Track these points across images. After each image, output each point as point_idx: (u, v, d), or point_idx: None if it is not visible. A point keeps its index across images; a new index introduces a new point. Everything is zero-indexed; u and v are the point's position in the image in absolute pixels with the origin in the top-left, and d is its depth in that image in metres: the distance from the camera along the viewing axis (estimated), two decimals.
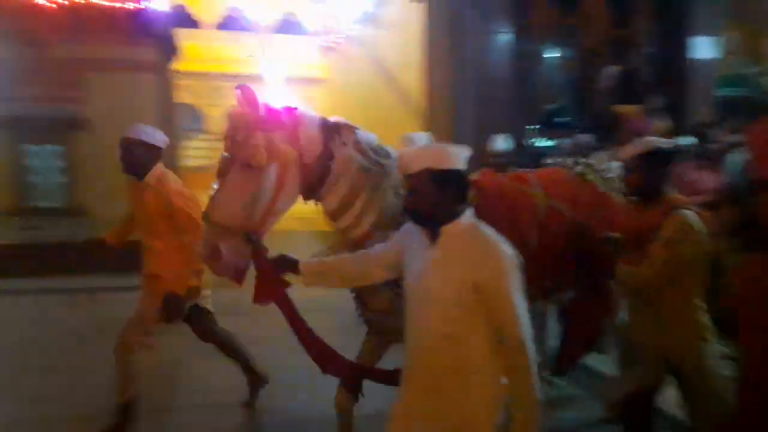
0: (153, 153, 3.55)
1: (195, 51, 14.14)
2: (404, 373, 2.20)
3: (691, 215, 2.66)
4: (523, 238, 2.91)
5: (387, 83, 11.93)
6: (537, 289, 2.76)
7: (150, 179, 3.51)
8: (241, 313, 3.91)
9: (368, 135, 2.83)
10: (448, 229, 2.08)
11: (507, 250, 2.03)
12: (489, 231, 2.08)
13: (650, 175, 2.78)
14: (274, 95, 3.08)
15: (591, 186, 3.48)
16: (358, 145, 2.75)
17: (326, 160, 2.69)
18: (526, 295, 2.04)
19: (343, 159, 2.71)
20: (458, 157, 2.10)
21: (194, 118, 15.47)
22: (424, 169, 2.04)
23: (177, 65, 12.55)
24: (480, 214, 2.16)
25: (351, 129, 2.75)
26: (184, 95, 14.15)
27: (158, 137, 3.58)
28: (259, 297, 2.58)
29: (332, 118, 2.79)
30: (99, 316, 6.04)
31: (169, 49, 11.63)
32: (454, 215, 2.07)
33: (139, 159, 3.51)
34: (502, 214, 2.86)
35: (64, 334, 5.73)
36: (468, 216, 2.10)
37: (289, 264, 2.48)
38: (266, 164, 2.54)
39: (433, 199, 2.05)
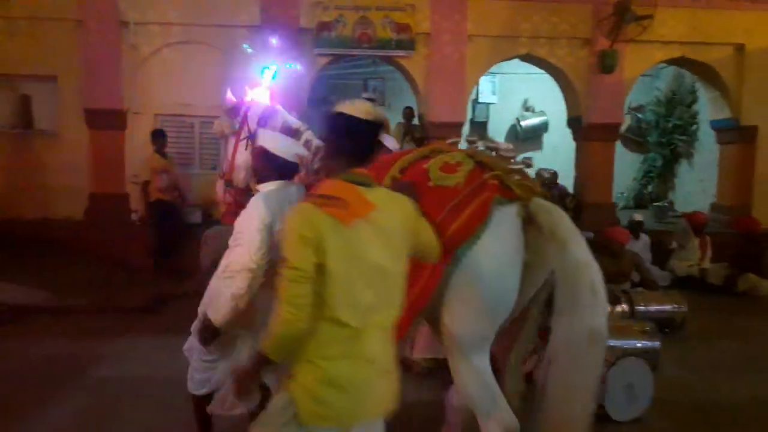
0: None
1: None
2: None
3: None
4: None
5: None
6: None
7: None
8: None
9: (294, 120, 4.07)
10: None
11: (252, 218, 2.88)
12: (258, 199, 2.94)
13: None
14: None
15: None
16: (280, 125, 3.89)
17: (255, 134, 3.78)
18: None
19: (261, 135, 3.47)
20: (288, 148, 3.10)
21: None
22: (261, 147, 3.11)
23: None
24: None
25: (280, 114, 4.03)
26: None
27: None
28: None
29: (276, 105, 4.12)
30: None
31: None
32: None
33: None
34: None
35: None
36: (267, 185, 3.04)
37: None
38: (224, 135, 4.01)
39: (260, 169, 3.12)
